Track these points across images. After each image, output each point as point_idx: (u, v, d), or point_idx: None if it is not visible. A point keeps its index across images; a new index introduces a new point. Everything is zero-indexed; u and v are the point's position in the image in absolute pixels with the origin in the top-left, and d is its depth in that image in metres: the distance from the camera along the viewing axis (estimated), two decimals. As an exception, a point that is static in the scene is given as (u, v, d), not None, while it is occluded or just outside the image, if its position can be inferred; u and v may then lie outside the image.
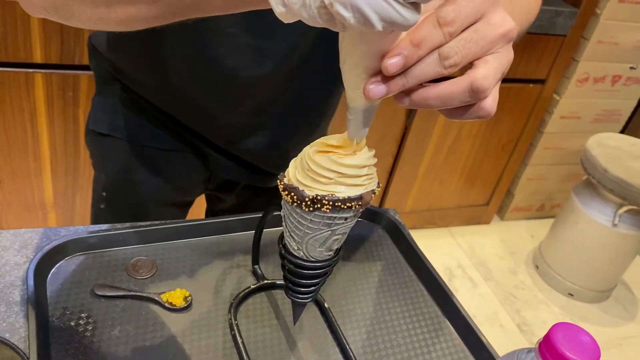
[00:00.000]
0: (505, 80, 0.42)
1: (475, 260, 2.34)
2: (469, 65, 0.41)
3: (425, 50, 0.38)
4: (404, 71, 0.39)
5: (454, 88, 0.40)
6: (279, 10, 0.36)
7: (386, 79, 0.39)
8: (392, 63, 0.38)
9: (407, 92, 0.41)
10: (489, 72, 0.40)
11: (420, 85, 0.41)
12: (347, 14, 0.33)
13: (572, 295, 2.22)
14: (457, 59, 0.39)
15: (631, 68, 2.23)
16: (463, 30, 0.39)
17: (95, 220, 0.94)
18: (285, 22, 0.37)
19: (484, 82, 0.39)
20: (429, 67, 0.39)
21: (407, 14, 0.34)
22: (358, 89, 0.41)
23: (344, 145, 0.46)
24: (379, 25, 0.34)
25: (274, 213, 0.71)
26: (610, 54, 2.16)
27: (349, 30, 0.36)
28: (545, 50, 2.05)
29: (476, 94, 0.40)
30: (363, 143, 0.46)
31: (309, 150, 0.47)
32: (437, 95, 0.41)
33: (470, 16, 0.39)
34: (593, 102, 2.29)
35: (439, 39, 0.38)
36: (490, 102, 0.42)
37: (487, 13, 0.40)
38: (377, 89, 0.39)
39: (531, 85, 2.13)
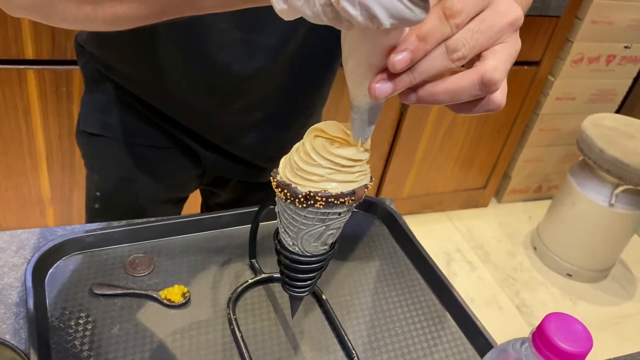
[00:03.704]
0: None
1: (473, 244, 2.35)
2: (476, 58, 0.39)
3: (432, 44, 0.36)
4: (410, 67, 0.37)
5: (463, 82, 0.38)
6: (279, 7, 0.34)
7: (392, 76, 0.37)
8: (399, 59, 0.36)
9: (414, 88, 0.39)
10: (499, 63, 0.38)
11: (426, 80, 0.39)
12: (354, 12, 0.31)
13: (570, 275, 2.24)
14: (465, 52, 0.37)
15: (625, 47, 2.22)
16: (469, 21, 0.37)
17: (90, 219, 0.94)
18: (286, 19, 0.35)
19: (495, 74, 0.38)
20: (436, 61, 0.37)
21: (417, 9, 0.32)
22: (362, 87, 0.39)
23: (350, 143, 0.45)
24: (387, 23, 0.32)
25: (270, 207, 0.71)
26: (604, 33, 2.15)
27: (355, 28, 0.34)
28: (540, 32, 2.04)
29: (487, 87, 0.38)
30: (368, 143, 0.45)
31: (302, 143, 0.47)
32: (446, 89, 0.39)
33: (476, 5, 0.37)
34: (588, 83, 2.29)
35: (446, 32, 0.36)
36: (500, 95, 0.40)
37: (493, 1, 0.38)
38: (384, 87, 0.38)
39: (526, 67, 2.13)
